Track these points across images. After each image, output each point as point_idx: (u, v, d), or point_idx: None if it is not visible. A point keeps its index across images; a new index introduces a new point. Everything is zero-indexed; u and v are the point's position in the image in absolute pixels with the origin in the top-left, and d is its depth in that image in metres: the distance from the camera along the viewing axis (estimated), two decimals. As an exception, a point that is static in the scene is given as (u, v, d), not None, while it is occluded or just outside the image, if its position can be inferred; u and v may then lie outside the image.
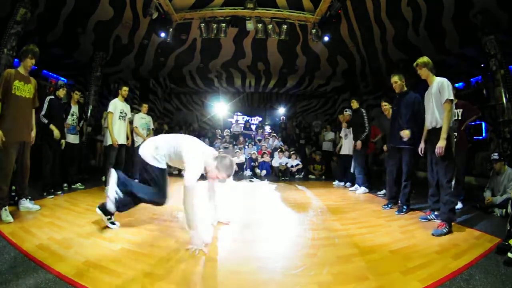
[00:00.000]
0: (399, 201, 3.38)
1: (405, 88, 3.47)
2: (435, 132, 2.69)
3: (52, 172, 3.76)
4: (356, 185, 5.03)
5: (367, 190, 4.77)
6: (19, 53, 2.76)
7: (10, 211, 2.49)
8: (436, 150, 2.51)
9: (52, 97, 3.83)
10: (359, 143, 4.82)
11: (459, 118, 3.51)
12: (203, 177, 2.30)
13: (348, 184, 5.52)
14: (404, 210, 3.25)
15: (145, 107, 5.57)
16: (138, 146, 5.16)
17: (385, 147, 3.73)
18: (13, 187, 2.93)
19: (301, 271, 1.70)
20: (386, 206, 3.56)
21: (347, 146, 5.50)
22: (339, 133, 6.52)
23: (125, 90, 4.48)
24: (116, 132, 4.21)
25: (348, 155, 5.42)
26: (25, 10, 5.33)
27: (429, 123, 2.78)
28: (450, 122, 2.56)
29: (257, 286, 1.54)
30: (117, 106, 4.31)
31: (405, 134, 3.20)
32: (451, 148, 2.52)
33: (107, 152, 4.31)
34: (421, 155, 2.94)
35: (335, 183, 5.98)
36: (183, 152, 2.23)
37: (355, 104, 5.15)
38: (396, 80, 3.44)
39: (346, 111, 5.60)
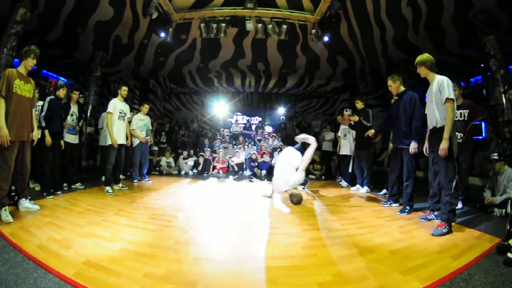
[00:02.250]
0: (402, 201, 3.40)
1: (402, 88, 3.52)
2: (435, 132, 2.67)
3: (52, 172, 3.76)
4: (358, 185, 5.06)
5: (369, 190, 4.81)
6: (20, 53, 2.76)
7: (10, 211, 2.49)
8: (439, 152, 2.49)
9: (52, 97, 3.83)
10: (371, 131, 4.42)
11: (465, 118, 3.48)
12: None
13: (344, 183, 5.57)
14: (407, 210, 3.25)
15: (146, 107, 5.49)
16: (136, 146, 5.18)
17: (390, 146, 3.73)
18: (13, 187, 2.93)
19: (301, 271, 1.70)
20: (385, 203, 3.66)
21: (345, 146, 5.51)
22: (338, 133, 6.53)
23: (124, 90, 4.47)
24: (116, 132, 4.20)
25: (347, 155, 5.44)
26: (25, 10, 5.33)
27: (429, 122, 2.76)
28: (452, 121, 2.51)
29: (257, 286, 1.54)
30: (116, 106, 4.30)
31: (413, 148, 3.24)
32: (452, 149, 2.50)
33: (106, 152, 4.30)
34: (426, 154, 2.94)
35: (342, 182, 6.00)
36: None
37: (359, 105, 5.07)
38: (390, 84, 3.55)
39: (346, 111, 5.60)
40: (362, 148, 4.89)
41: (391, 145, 4.10)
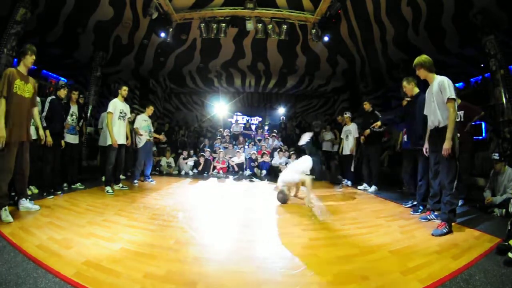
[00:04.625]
0: (416, 201, 3.42)
1: (417, 90, 3.46)
2: (437, 132, 2.66)
3: (52, 172, 3.75)
4: (365, 184, 5.12)
5: (377, 189, 4.90)
6: (18, 54, 2.76)
7: (10, 211, 2.49)
8: (443, 152, 2.49)
9: (53, 97, 3.82)
10: (367, 131, 4.76)
11: (461, 119, 3.49)
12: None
13: (349, 183, 5.60)
14: (420, 210, 3.25)
15: (151, 109, 5.58)
16: (141, 147, 5.19)
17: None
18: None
19: (301, 271, 1.70)
20: (406, 203, 3.69)
21: (347, 146, 5.56)
22: (339, 134, 6.55)
23: (125, 90, 4.47)
24: (116, 132, 4.21)
25: (349, 155, 5.51)
26: (25, 10, 5.33)
27: (431, 123, 2.75)
28: (454, 121, 2.50)
29: (257, 286, 1.54)
30: (116, 106, 4.30)
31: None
32: (455, 149, 2.50)
33: (106, 152, 4.30)
34: (426, 155, 2.93)
35: (344, 182, 6.04)
36: None
37: (367, 106, 5.13)
38: (404, 85, 3.49)
39: (345, 114, 5.68)
40: (371, 143, 4.92)
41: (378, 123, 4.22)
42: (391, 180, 5.69)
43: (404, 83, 3.50)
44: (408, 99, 3.67)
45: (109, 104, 4.30)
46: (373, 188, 4.92)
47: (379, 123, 4.29)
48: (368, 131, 4.77)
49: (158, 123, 9.35)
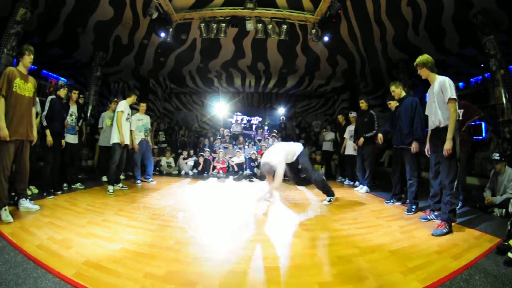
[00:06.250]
0: (408, 201, 3.46)
1: (404, 93, 3.70)
2: (437, 132, 2.67)
3: (52, 172, 3.75)
4: (361, 185, 5.09)
5: (369, 190, 4.85)
6: (16, 55, 2.76)
7: (10, 211, 2.49)
8: (443, 153, 2.49)
9: (54, 96, 3.82)
10: (361, 140, 4.85)
11: (460, 118, 3.50)
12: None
13: (357, 183, 5.54)
14: (413, 209, 3.26)
15: (143, 106, 5.44)
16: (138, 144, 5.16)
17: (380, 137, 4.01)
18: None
19: (301, 271, 1.70)
20: (388, 202, 3.84)
21: (351, 146, 5.54)
22: (339, 133, 6.54)
23: (134, 97, 4.58)
24: (124, 132, 4.27)
25: (354, 155, 5.47)
26: (25, 10, 5.34)
27: (431, 123, 2.75)
28: (455, 121, 2.51)
29: (257, 286, 1.54)
30: (126, 107, 4.40)
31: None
32: (455, 149, 2.50)
33: (111, 151, 4.30)
34: (428, 155, 2.93)
35: (346, 182, 6.02)
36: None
37: (364, 105, 5.09)
38: (393, 89, 3.73)
39: (351, 113, 5.69)
40: (365, 144, 4.91)
41: (380, 136, 4.18)
42: (391, 180, 5.69)
43: (393, 88, 3.72)
44: (395, 102, 3.87)
45: (120, 103, 4.37)
46: (365, 188, 4.87)
47: (380, 136, 4.27)
48: (362, 139, 4.87)
49: (157, 123, 9.34)
